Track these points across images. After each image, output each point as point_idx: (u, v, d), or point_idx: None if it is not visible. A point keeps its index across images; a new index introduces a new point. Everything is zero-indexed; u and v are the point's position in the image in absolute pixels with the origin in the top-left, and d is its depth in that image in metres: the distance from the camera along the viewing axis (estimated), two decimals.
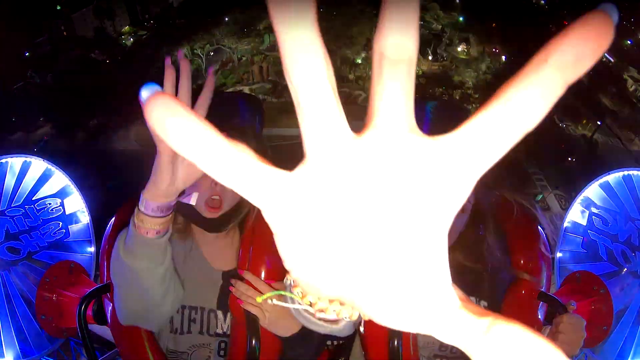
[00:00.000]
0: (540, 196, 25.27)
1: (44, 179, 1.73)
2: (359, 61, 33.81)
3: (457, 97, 29.86)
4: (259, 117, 1.52)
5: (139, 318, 1.06)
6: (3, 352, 1.53)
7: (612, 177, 1.70)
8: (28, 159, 1.72)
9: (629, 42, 36.07)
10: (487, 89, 29.95)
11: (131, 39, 37.07)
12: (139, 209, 0.84)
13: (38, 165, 1.73)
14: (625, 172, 1.69)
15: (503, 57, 35.14)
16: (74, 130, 27.59)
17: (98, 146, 28.25)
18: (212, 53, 34.49)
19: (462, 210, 1.05)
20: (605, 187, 1.71)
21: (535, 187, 26.32)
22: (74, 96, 26.24)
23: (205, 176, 1.09)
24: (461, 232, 1.14)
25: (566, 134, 31.20)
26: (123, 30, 38.75)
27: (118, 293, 1.02)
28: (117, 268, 0.98)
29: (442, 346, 1.21)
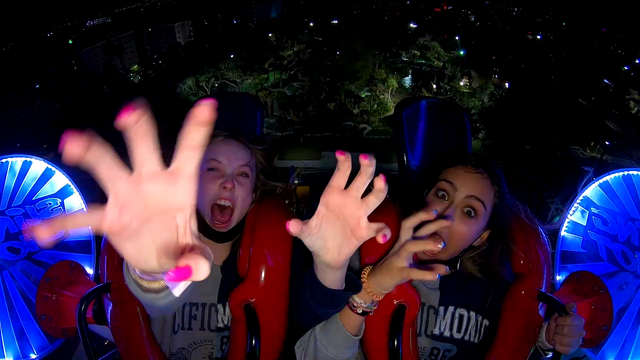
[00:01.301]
0: (556, 219, 25.20)
1: (44, 179, 1.73)
2: (363, 96, 33.79)
3: None
4: (259, 113, 1.53)
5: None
6: (3, 352, 1.52)
7: (612, 177, 1.70)
8: (28, 159, 1.72)
9: (625, 68, 36.55)
10: (491, 115, 29.98)
11: (139, 77, 37.42)
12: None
13: (38, 165, 1.73)
14: (625, 172, 1.68)
15: (506, 84, 35.13)
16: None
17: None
18: (216, 85, 34.49)
19: (476, 215, 1.07)
20: (605, 187, 1.71)
21: (550, 209, 26.35)
22: (80, 125, 26.42)
23: (213, 178, 1.10)
24: (474, 243, 1.15)
25: (576, 158, 31.10)
26: (132, 68, 39.08)
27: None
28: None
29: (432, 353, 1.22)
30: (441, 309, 1.20)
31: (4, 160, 1.69)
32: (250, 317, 1.06)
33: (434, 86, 36.84)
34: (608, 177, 1.71)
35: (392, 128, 1.59)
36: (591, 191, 1.73)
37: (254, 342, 1.04)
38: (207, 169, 1.12)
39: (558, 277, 1.71)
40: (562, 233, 1.77)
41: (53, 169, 1.75)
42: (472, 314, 1.21)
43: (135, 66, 39.73)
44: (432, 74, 37.84)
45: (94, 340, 1.39)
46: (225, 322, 1.22)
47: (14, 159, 1.71)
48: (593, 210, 1.72)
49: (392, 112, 33.61)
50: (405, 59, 38.83)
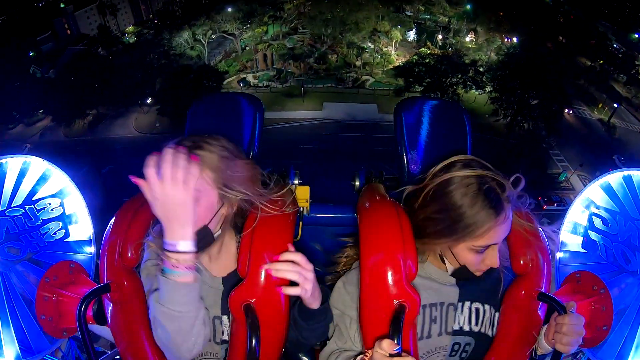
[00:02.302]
0: (564, 175, 25.40)
1: (44, 179, 1.73)
2: (365, 47, 33.45)
3: (470, 75, 29.62)
4: (259, 114, 1.52)
5: (197, 350, 1.10)
6: (3, 352, 1.52)
7: (612, 178, 1.70)
8: (28, 159, 1.72)
9: (636, 35, 36.23)
10: (498, 68, 29.83)
11: (135, 38, 36.69)
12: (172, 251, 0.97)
13: (38, 165, 1.73)
14: (626, 173, 1.68)
15: (515, 39, 34.80)
16: (73, 121, 27.68)
17: (95, 134, 28.28)
18: (213, 37, 33.93)
19: None
20: (606, 187, 1.70)
21: (558, 167, 26.44)
22: (75, 89, 26.27)
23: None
24: None
25: (583, 118, 30.96)
26: (127, 30, 38.42)
27: (174, 344, 1.06)
28: (170, 325, 1.02)
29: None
30: (460, 304, 1.23)
31: (3, 161, 1.69)
32: (250, 317, 1.06)
33: (439, 39, 36.15)
34: (608, 177, 1.71)
35: (392, 127, 1.59)
36: (591, 191, 1.73)
37: (254, 342, 1.04)
38: None
39: (558, 277, 1.71)
40: (562, 233, 1.77)
41: (53, 169, 1.74)
42: (487, 307, 1.24)
43: (131, 27, 38.82)
44: (438, 28, 37.33)
45: (93, 340, 1.39)
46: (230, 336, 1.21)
47: (13, 159, 1.71)
48: (593, 210, 1.71)
49: (395, 64, 33.40)
50: (409, 14, 38.18)
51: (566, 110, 29.62)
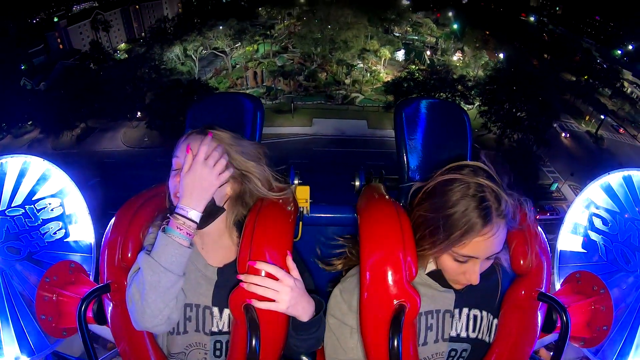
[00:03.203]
0: (555, 185, 25.63)
1: (44, 179, 1.73)
2: (354, 65, 33.79)
3: (459, 89, 30.04)
4: (259, 114, 1.52)
5: (160, 323, 1.08)
6: (3, 352, 1.52)
7: (612, 178, 1.70)
8: (28, 159, 1.72)
9: (619, 51, 37.18)
10: (486, 83, 30.16)
11: (126, 55, 36.95)
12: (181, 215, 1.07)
13: (38, 165, 1.73)
14: (626, 173, 1.68)
15: (501, 55, 35.39)
16: (61, 133, 27.75)
17: (82, 148, 28.31)
18: (204, 53, 34.10)
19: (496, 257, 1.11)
20: (606, 187, 1.71)
21: (549, 178, 26.75)
22: (65, 102, 26.35)
23: (174, 176, 1.13)
24: None
25: (571, 131, 31.52)
26: (119, 47, 38.67)
27: (144, 300, 1.05)
28: (150, 277, 1.04)
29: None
30: (456, 311, 1.21)
31: (3, 161, 1.69)
32: (250, 317, 1.06)
33: (428, 56, 36.82)
34: (608, 177, 1.71)
35: (392, 128, 1.59)
36: (591, 191, 1.73)
37: (254, 342, 1.04)
38: (173, 169, 1.16)
39: (558, 277, 1.71)
40: (562, 233, 1.77)
41: (53, 168, 1.74)
42: (485, 313, 1.22)
43: (123, 45, 39.05)
44: (425, 48, 38.23)
45: (93, 340, 1.39)
46: (220, 328, 1.21)
47: (13, 159, 1.71)
48: (593, 210, 1.72)
49: (384, 81, 33.75)
50: (397, 35, 39.08)
51: (563, 135, 30.23)
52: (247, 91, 33.79)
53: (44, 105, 26.63)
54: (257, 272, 1.06)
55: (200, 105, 1.56)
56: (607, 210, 1.69)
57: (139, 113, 29.03)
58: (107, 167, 25.02)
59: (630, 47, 36.78)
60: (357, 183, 1.60)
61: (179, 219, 1.05)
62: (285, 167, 1.50)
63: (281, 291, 1.06)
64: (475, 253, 1.06)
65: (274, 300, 1.06)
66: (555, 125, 30.44)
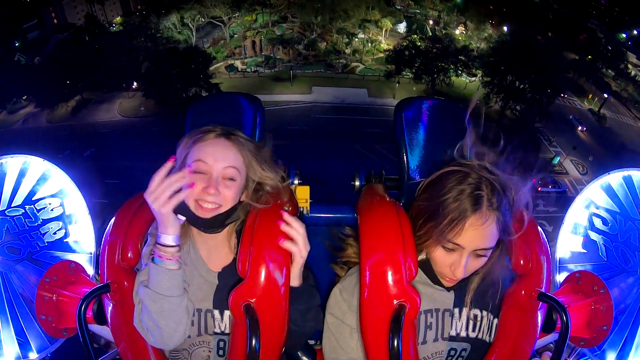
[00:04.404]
0: (557, 159, 25.70)
1: (43, 179, 1.73)
2: (355, 35, 33.51)
3: (462, 59, 29.76)
4: (259, 114, 1.52)
5: (180, 338, 1.15)
6: (3, 352, 1.52)
7: (612, 178, 1.70)
8: (28, 159, 1.72)
9: (624, 35, 37.03)
10: (489, 55, 29.99)
11: (121, 28, 36.37)
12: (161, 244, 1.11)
13: (38, 165, 1.73)
14: (626, 173, 1.69)
15: (505, 28, 35.06)
16: (57, 105, 27.44)
17: (78, 119, 28.05)
18: (202, 21, 33.46)
19: (486, 254, 1.09)
20: (606, 187, 1.71)
21: (550, 152, 26.82)
22: (60, 75, 26.08)
23: (199, 180, 1.11)
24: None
25: (574, 108, 31.49)
26: (114, 21, 38.21)
27: (159, 327, 1.12)
28: (155, 306, 1.11)
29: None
30: (456, 310, 1.21)
31: (3, 161, 1.69)
32: (250, 317, 1.06)
33: (429, 29, 36.50)
34: (608, 177, 1.71)
35: (392, 128, 1.60)
36: (591, 191, 1.73)
37: (254, 342, 1.04)
38: (194, 171, 1.13)
39: (558, 277, 1.71)
40: (562, 232, 1.77)
41: (53, 169, 1.74)
42: (485, 313, 1.22)
43: (119, 18, 37.95)
44: (427, 21, 37.73)
45: (93, 340, 1.39)
46: (222, 329, 1.22)
47: (13, 159, 1.71)
48: (593, 210, 1.72)
49: (385, 49, 33.57)
50: (399, 7, 38.56)
51: (579, 128, 29.89)
52: (245, 60, 33.58)
53: (39, 80, 26.24)
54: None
55: (200, 105, 1.56)
56: (607, 210, 1.69)
57: (135, 83, 28.49)
58: (103, 136, 24.75)
59: (635, 32, 36.42)
60: (357, 183, 1.60)
61: (161, 249, 1.10)
62: (285, 168, 1.50)
63: (306, 246, 1.13)
64: (462, 241, 1.06)
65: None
66: (570, 117, 30.12)
